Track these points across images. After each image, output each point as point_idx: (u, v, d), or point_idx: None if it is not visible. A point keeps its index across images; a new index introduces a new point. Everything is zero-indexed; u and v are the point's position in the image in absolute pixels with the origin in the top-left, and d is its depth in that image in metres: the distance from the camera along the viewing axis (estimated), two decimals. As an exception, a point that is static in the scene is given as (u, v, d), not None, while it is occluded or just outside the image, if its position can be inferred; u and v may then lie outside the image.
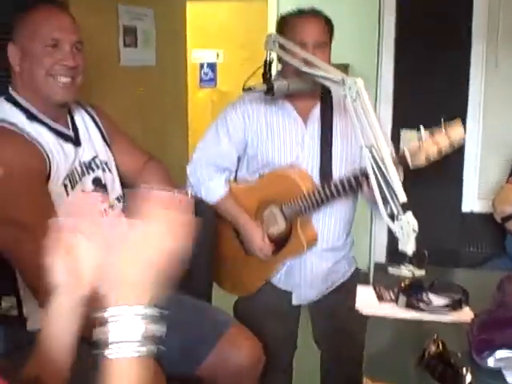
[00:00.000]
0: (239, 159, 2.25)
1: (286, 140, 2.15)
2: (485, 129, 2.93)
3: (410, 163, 1.82)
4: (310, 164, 2.13)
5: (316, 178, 2.11)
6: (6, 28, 1.82)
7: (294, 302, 2.26)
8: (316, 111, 2.14)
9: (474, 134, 2.92)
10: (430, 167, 2.47)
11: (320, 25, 2.08)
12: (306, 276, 2.22)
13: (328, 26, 2.11)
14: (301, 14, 2.11)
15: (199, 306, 2.05)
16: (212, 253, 2.17)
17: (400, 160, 1.84)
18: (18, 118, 1.75)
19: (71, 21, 1.81)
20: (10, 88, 1.81)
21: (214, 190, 2.23)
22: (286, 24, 2.11)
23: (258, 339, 2.00)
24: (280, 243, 2.18)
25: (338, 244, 2.22)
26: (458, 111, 2.89)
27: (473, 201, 2.96)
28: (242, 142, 2.19)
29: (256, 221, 2.20)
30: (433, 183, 2.83)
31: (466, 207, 2.96)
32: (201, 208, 2.11)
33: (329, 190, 2.01)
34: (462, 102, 2.90)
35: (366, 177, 1.84)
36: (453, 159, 2.89)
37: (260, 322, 2.25)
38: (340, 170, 2.11)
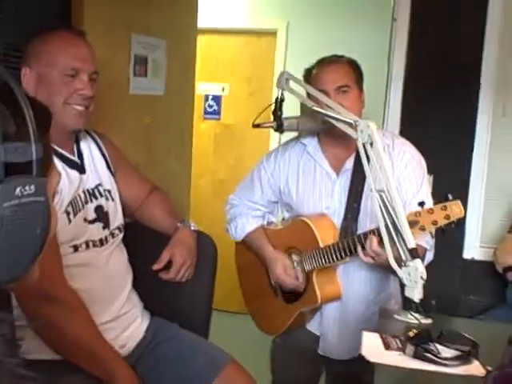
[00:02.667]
0: (277, 203, 2.29)
1: (315, 190, 2.15)
2: (489, 178, 2.93)
3: None
4: (337, 217, 2.10)
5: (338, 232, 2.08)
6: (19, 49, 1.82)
7: (320, 350, 2.21)
8: (349, 162, 2.11)
9: (477, 182, 2.93)
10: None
11: (340, 70, 2.09)
12: (334, 325, 2.17)
13: (351, 69, 2.11)
14: (320, 62, 2.13)
15: (196, 342, 2.02)
16: (211, 286, 2.14)
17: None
18: None
19: (90, 50, 1.82)
20: None
21: (242, 226, 2.27)
22: (309, 75, 2.14)
23: (254, 379, 1.97)
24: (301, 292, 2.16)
25: (370, 297, 2.16)
26: (463, 158, 2.91)
27: (474, 248, 2.95)
28: (273, 190, 2.24)
29: (282, 253, 2.18)
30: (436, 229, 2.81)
31: (468, 254, 2.95)
32: (203, 241, 2.11)
33: (344, 246, 1.97)
34: (467, 150, 2.91)
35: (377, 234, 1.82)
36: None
37: (286, 363, 2.24)
38: (368, 226, 2.03)
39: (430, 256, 2.09)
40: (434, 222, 1.76)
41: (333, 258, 2.01)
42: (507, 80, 2.85)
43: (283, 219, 2.32)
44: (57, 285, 1.65)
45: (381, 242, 1.82)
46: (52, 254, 1.63)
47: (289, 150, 2.22)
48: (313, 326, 2.24)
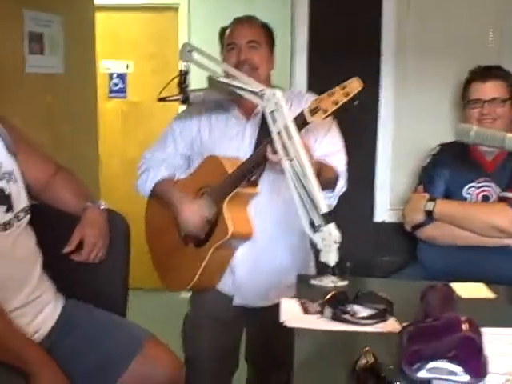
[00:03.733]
0: (190, 159, 2.29)
1: (226, 135, 2.19)
2: (395, 141, 2.99)
3: (308, 119, 1.84)
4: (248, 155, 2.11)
5: None
6: None
7: (235, 301, 2.22)
8: (258, 108, 2.13)
9: (384, 147, 2.98)
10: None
11: (252, 27, 2.19)
12: (248, 271, 2.18)
13: (264, 29, 2.21)
14: (235, 20, 2.23)
15: (113, 320, 1.97)
16: (127, 264, 2.09)
17: (299, 118, 1.86)
18: None
19: None
20: None
21: (152, 177, 2.27)
22: (223, 34, 2.23)
23: (176, 355, 1.95)
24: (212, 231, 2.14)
25: (283, 246, 2.19)
26: (369, 124, 2.96)
27: (385, 211, 3.02)
28: (186, 142, 2.27)
29: (189, 196, 2.17)
30: (345, 194, 2.86)
31: (379, 217, 3.02)
32: (114, 220, 2.06)
33: (250, 162, 2.00)
34: (373, 116, 2.96)
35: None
36: (365, 170, 2.98)
37: (202, 328, 2.23)
38: None
39: (342, 183, 2.15)
40: (335, 102, 1.80)
41: (241, 180, 2.02)
42: (407, 41, 2.91)
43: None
44: None
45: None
46: None
47: (198, 106, 2.22)
48: (224, 287, 2.23)
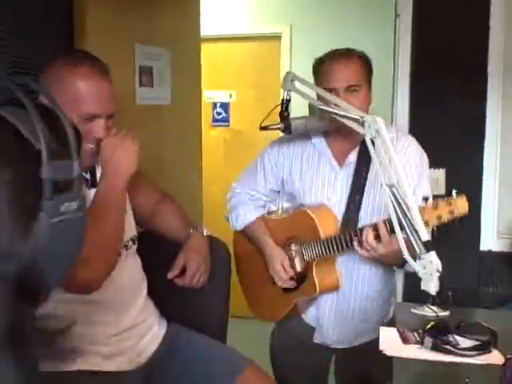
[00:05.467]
0: (279, 193, 2.30)
1: (318, 181, 2.15)
2: (502, 166, 2.90)
3: None
4: (338, 208, 2.10)
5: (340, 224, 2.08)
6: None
7: (315, 338, 2.23)
8: (352, 155, 2.11)
9: (490, 173, 2.89)
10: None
11: (350, 67, 2.05)
12: (330, 315, 2.18)
13: (362, 65, 2.08)
14: (333, 56, 2.08)
15: (214, 346, 2.01)
16: (227, 290, 2.15)
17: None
18: None
19: (110, 89, 1.74)
20: None
21: (243, 215, 2.29)
22: (319, 70, 2.11)
23: (274, 381, 1.97)
24: (299, 281, 2.16)
25: (369, 292, 2.16)
26: (474, 150, 2.88)
27: (491, 239, 2.92)
28: (276, 179, 2.25)
29: (280, 248, 2.19)
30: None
31: (485, 246, 2.92)
32: (216, 246, 2.11)
33: (346, 237, 1.97)
34: (478, 141, 2.88)
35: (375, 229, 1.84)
36: (471, 197, 2.89)
37: (289, 351, 2.24)
38: (369, 219, 2.04)
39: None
40: (439, 217, 1.75)
41: (333, 250, 2.01)
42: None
43: (283, 209, 2.33)
44: None
45: (378, 238, 1.82)
46: None
47: (293, 140, 2.21)
48: (308, 317, 2.25)
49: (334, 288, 2.13)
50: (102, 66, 1.74)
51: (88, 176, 1.86)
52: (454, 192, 1.79)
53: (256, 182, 2.29)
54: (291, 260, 2.17)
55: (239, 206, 2.31)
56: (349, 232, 1.97)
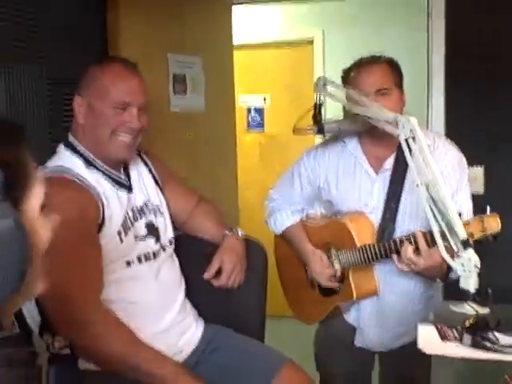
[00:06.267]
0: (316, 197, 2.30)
1: (354, 189, 2.15)
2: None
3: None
4: (375, 216, 2.10)
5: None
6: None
7: (356, 342, 2.24)
8: (389, 162, 2.11)
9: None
10: (490, 202, 2.42)
11: (378, 72, 2.05)
12: (370, 319, 2.19)
13: (390, 69, 2.08)
14: (359, 64, 2.09)
15: (252, 345, 2.03)
16: (264, 291, 2.17)
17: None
18: (75, 164, 1.79)
19: (141, 83, 1.85)
20: (70, 134, 1.86)
21: (281, 220, 2.32)
22: (347, 77, 2.12)
23: (312, 378, 1.99)
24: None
25: (410, 297, 2.16)
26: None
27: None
28: (313, 187, 2.25)
29: (319, 250, 2.21)
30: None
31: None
32: (252, 247, 2.13)
33: (382, 248, 1.98)
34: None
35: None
36: (509, 195, 2.85)
37: (333, 351, 2.25)
38: (406, 226, 2.05)
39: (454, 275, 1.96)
40: (471, 235, 1.71)
41: (368, 259, 2.02)
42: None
43: (322, 214, 2.33)
44: (91, 309, 1.68)
45: (416, 251, 1.82)
46: (83, 277, 1.67)
47: (329, 148, 2.22)
48: (349, 318, 2.25)
49: (373, 294, 2.14)
50: (132, 64, 1.86)
51: (124, 178, 1.90)
52: (488, 208, 1.77)
53: (293, 189, 2.29)
54: (331, 267, 2.19)
55: (277, 211, 2.34)
56: (386, 243, 1.97)
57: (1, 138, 0.82)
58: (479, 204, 2.37)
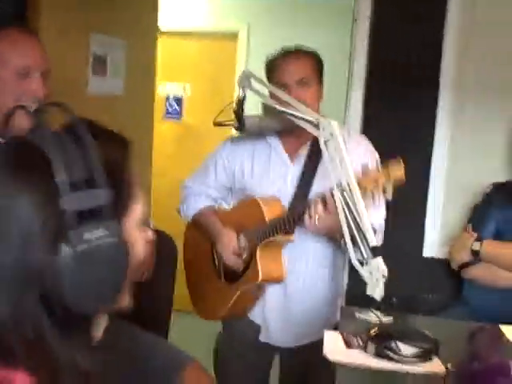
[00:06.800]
0: (231, 190, 2.32)
1: (269, 176, 2.17)
2: (448, 176, 2.95)
3: None
4: (287, 200, 2.13)
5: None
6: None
7: (261, 337, 2.23)
8: (303, 151, 2.15)
9: (437, 181, 2.95)
10: (393, 212, 2.48)
11: (300, 61, 2.12)
12: (276, 314, 2.19)
13: (312, 60, 2.15)
14: (284, 54, 2.15)
15: (156, 342, 1.99)
16: (172, 285, 2.13)
17: None
18: None
19: (41, 47, 1.78)
20: None
21: (193, 204, 2.31)
22: (271, 66, 2.16)
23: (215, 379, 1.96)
24: (244, 270, 2.17)
25: (316, 292, 2.18)
26: (423, 159, 2.93)
27: (434, 247, 2.98)
28: (227, 174, 2.27)
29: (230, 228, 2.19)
30: (396, 227, 2.84)
31: (427, 253, 2.98)
32: (163, 241, 2.09)
33: (290, 216, 1.99)
34: (427, 151, 2.94)
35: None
36: (416, 204, 2.95)
37: (230, 356, 2.24)
38: None
39: (378, 239, 2.01)
40: (375, 181, 1.80)
41: (277, 230, 2.02)
42: (466, 79, 2.88)
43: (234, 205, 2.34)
44: None
45: (325, 208, 1.84)
46: None
47: (245, 136, 2.23)
48: (255, 316, 2.25)
49: (278, 278, 2.13)
50: (29, 30, 1.84)
51: None
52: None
53: (207, 177, 2.31)
54: (240, 243, 2.17)
55: (190, 197, 2.34)
56: (295, 210, 1.99)
57: (113, 156, 0.89)
58: (389, 210, 2.45)
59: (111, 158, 0.87)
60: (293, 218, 1.98)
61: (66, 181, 0.78)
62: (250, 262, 2.13)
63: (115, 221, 0.82)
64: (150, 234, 0.98)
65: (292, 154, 2.18)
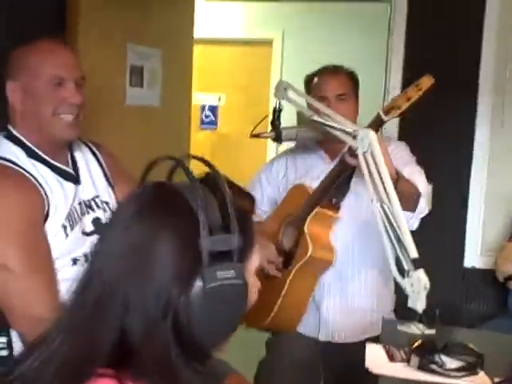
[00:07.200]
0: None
1: (311, 173, 2.23)
2: (489, 185, 2.92)
3: (383, 117, 1.89)
4: None
5: None
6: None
7: (321, 337, 2.19)
8: (344, 149, 2.10)
9: (477, 190, 2.91)
10: (433, 221, 2.45)
11: (339, 79, 2.20)
12: (333, 305, 2.18)
13: (350, 79, 2.23)
14: (322, 70, 2.24)
15: None
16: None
17: (376, 120, 1.91)
18: (17, 155, 1.72)
19: (73, 56, 1.80)
20: (9, 125, 1.78)
21: None
22: (310, 82, 2.24)
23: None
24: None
25: (365, 275, 2.18)
26: (463, 166, 2.90)
27: (475, 257, 2.93)
28: (273, 186, 2.33)
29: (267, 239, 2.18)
30: (436, 238, 2.81)
31: (469, 263, 2.93)
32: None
33: (328, 177, 2.03)
34: (466, 160, 2.90)
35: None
36: (456, 214, 2.91)
37: (280, 372, 2.17)
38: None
39: (423, 204, 2.05)
40: (408, 99, 1.82)
41: (322, 195, 2.05)
42: (504, 91, 2.85)
43: None
44: (45, 304, 1.60)
45: None
46: (35, 269, 1.62)
47: (292, 153, 2.32)
48: (307, 328, 2.20)
49: (329, 258, 2.10)
50: (59, 40, 1.82)
51: (71, 170, 1.84)
52: None
53: (254, 190, 2.31)
54: (286, 238, 2.17)
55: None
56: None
57: (242, 206, 0.97)
58: (425, 219, 2.42)
59: (241, 208, 0.95)
60: (335, 174, 2.01)
61: (205, 222, 0.87)
62: (298, 244, 2.11)
63: (242, 265, 0.91)
64: (259, 284, 1.05)
65: (332, 154, 2.22)
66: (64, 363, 0.87)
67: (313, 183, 2.17)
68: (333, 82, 2.18)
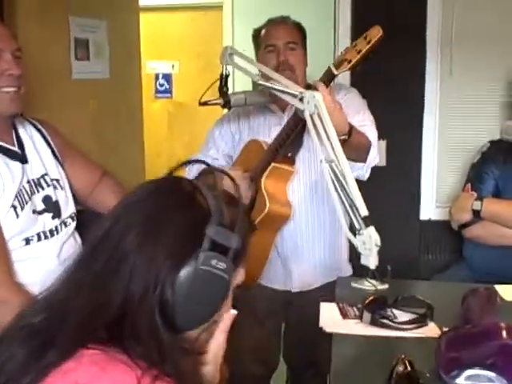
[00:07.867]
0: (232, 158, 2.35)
1: (264, 125, 2.25)
2: (441, 137, 2.95)
3: (334, 71, 1.89)
4: None
5: None
6: None
7: (284, 287, 2.25)
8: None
9: (430, 143, 2.94)
10: (387, 177, 2.48)
11: (287, 27, 2.21)
12: (291, 256, 2.22)
13: (298, 29, 2.24)
14: (269, 21, 2.25)
15: None
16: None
17: (326, 73, 1.91)
18: None
19: (6, 28, 1.77)
20: None
21: (198, 167, 2.28)
22: (259, 35, 2.24)
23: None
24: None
25: (325, 226, 2.21)
26: (414, 121, 2.92)
27: (431, 209, 2.98)
28: (226, 141, 2.33)
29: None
30: (391, 191, 2.85)
31: (425, 215, 2.98)
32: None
33: (284, 130, 2.03)
34: (417, 112, 2.92)
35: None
36: (410, 167, 2.94)
37: (242, 326, 2.22)
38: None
39: (374, 154, 2.08)
40: (358, 51, 1.83)
41: (277, 149, 2.06)
42: (451, 40, 2.86)
43: None
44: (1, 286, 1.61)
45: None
46: None
47: (240, 111, 2.31)
48: (275, 280, 2.26)
49: (286, 212, 2.14)
50: None
51: (17, 149, 1.81)
52: None
53: (207, 150, 2.34)
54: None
55: (194, 166, 2.32)
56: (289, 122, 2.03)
57: (249, 219, 1.12)
58: (382, 175, 2.45)
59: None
60: (291, 127, 2.01)
61: (218, 213, 0.94)
62: (256, 196, 2.13)
63: (232, 266, 0.95)
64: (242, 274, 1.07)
65: (284, 107, 2.22)
66: (79, 315, 0.90)
67: (266, 137, 2.19)
68: (281, 30, 2.19)
